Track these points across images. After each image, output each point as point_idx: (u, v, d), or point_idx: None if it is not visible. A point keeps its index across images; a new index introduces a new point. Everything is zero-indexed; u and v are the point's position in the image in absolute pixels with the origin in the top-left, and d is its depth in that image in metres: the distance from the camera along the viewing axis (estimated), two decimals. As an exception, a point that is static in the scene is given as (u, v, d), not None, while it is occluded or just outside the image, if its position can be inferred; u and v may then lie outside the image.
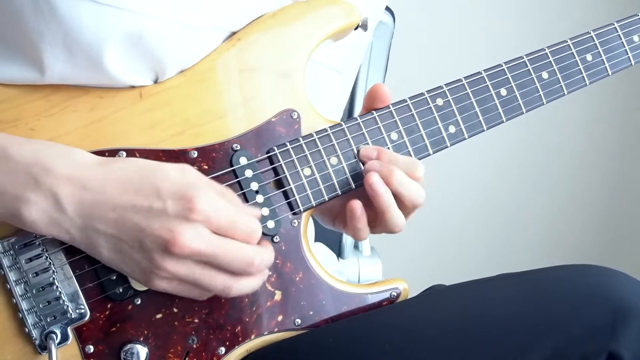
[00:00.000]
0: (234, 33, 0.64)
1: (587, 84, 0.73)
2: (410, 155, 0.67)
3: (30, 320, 0.57)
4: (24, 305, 0.57)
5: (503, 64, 0.70)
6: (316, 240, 0.91)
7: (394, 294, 0.67)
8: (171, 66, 0.61)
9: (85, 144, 0.58)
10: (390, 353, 0.58)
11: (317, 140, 0.64)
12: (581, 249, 2.05)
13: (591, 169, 2.04)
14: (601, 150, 2.02)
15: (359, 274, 1.22)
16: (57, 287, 0.57)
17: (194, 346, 0.60)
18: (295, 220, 0.64)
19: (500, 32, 1.88)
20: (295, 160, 0.63)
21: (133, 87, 0.60)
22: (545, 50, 0.71)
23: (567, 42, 0.72)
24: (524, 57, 0.71)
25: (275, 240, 0.63)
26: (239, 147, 0.62)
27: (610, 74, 0.74)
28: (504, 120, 0.70)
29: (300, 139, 0.64)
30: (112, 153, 0.59)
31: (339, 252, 1.22)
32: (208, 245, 0.54)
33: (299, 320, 0.63)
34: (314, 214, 0.71)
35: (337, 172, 0.65)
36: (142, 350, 0.59)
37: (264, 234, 0.60)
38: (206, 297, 0.58)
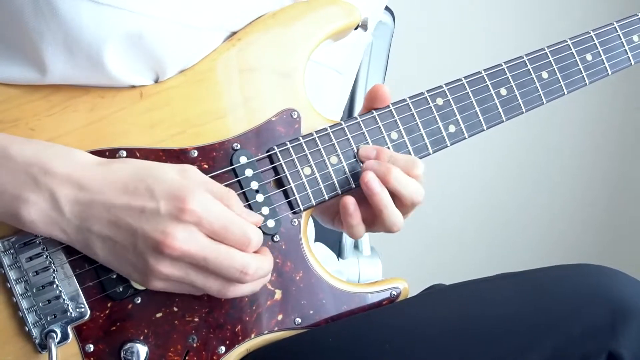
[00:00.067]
0: (234, 33, 0.64)
1: (587, 83, 0.73)
2: (410, 155, 0.67)
3: (30, 319, 0.57)
4: (24, 304, 0.57)
5: (503, 64, 0.70)
6: (316, 240, 0.91)
7: (394, 293, 0.67)
8: (171, 66, 0.61)
9: (85, 144, 0.58)
10: (390, 353, 0.58)
11: (317, 139, 0.64)
12: (581, 249, 2.06)
13: (591, 169, 2.04)
14: (601, 150, 2.02)
15: (359, 273, 1.22)
16: (57, 286, 0.57)
17: (194, 345, 0.60)
18: (295, 220, 0.64)
19: (500, 32, 1.88)
20: (295, 159, 0.63)
21: (133, 87, 0.60)
22: (545, 50, 0.71)
23: (566, 42, 0.72)
24: (524, 56, 0.71)
25: (275, 239, 0.63)
26: (239, 146, 0.62)
27: (610, 73, 0.74)
28: (504, 120, 0.70)
29: (300, 138, 0.64)
30: (113, 152, 0.59)
31: (339, 252, 1.22)
32: (199, 248, 0.54)
33: (299, 320, 0.63)
34: (313, 213, 0.71)
35: (337, 172, 0.65)
36: (142, 349, 0.59)
37: (264, 233, 0.60)
38: (204, 293, 0.58)
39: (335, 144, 0.65)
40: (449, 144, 0.69)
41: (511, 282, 0.65)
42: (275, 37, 0.64)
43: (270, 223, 0.62)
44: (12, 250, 0.57)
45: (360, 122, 0.66)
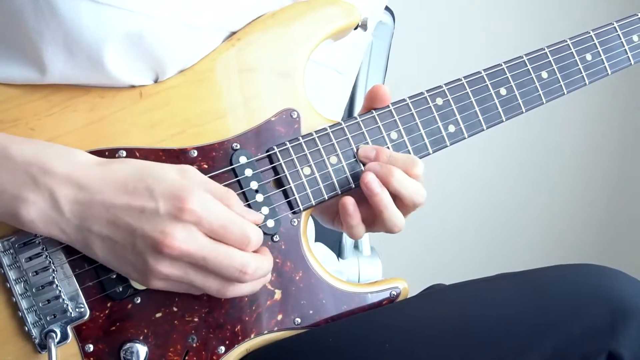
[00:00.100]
0: (233, 33, 0.64)
1: (587, 83, 0.73)
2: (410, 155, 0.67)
3: (30, 319, 0.57)
4: (23, 304, 0.57)
5: (503, 64, 0.70)
6: (316, 240, 0.91)
7: (394, 293, 0.67)
8: (171, 66, 0.61)
9: (85, 144, 0.58)
10: (390, 353, 0.58)
11: (316, 139, 0.64)
12: (581, 249, 2.06)
13: (591, 169, 2.04)
14: (601, 150, 2.02)
15: (359, 273, 1.22)
16: (56, 285, 0.57)
17: (194, 345, 0.60)
18: (295, 220, 0.64)
19: (500, 32, 1.88)
20: (295, 159, 0.63)
21: (133, 86, 0.60)
22: (544, 50, 0.71)
23: (566, 41, 0.72)
24: (524, 56, 0.71)
25: (274, 239, 0.63)
26: (238, 146, 0.62)
27: (609, 73, 0.74)
28: (504, 120, 0.70)
29: (300, 138, 0.64)
30: (112, 152, 0.59)
31: (339, 252, 1.22)
32: (198, 248, 0.54)
33: (298, 320, 0.63)
34: (313, 213, 0.71)
35: (336, 171, 0.65)
36: (141, 349, 0.59)
37: (264, 233, 0.60)
38: (204, 292, 0.58)
39: (335, 144, 0.65)
40: (448, 144, 0.68)
41: (511, 282, 0.65)
42: (275, 37, 0.64)
43: (270, 223, 0.62)
44: (11, 250, 0.57)
45: (360, 122, 0.66)
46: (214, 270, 0.55)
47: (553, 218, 2.05)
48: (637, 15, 0.76)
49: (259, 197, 0.62)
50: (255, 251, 0.57)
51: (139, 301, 0.59)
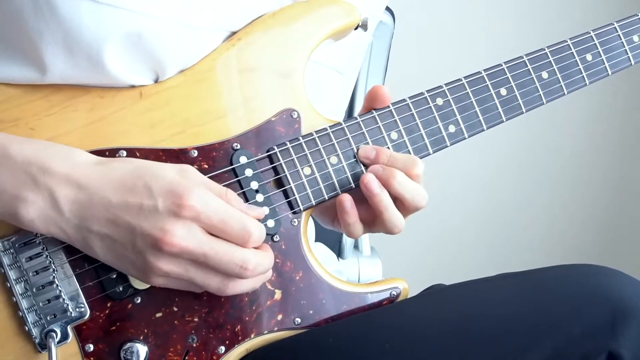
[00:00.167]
0: (234, 33, 0.64)
1: (587, 83, 0.73)
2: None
3: (30, 318, 0.57)
4: (24, 303, 0.57)
5: (503, 64, 0.70)
6: (316, 240, 0.91)
7: (394, 293, 0.67)
8: (171, 66, 0.61)
9: (85, 144, 0.58)
10: (390, 353, 0.58)
11: (317, 139, 0.64)
12: (581, 249, 2.06)
13: (591, 169, 2.04)
14: (601, 150, 2.02)
15: (359, 273, 1.22)
16: (57, 285, 0.57)
17: (194, 345, 0.60)
18: (295, 220, 0.64)
19: (500, 32, 1.88)
20: (295, 159, 0.63)
21: (133, 86, 0.60)
22: (545, 50, 0.71)
23: (566, 42, 0.72)
24: (524, 57, 0.71)
25: (275, 239, 0.63)
26: (239, 146, 0.62)
27: (610, 73, 0.74)
28: (504, 120, 0.70)
29: (300, 138, 0.64)
30: (113, 152, 0.59)
31: (339, 252, 1.22)
32: (198, 245, 0.54)
33: (298, 320, 0.63)
34: (313, 214, 0.71)
35: (337, 172, 0.65)
36: (141, 349, 0.59)
37: (264, 233, 0.60)
38: (206, 290, 0.58)
39: (335, 144, 0.65)
40: (449, 144, 0.68)
41: (511, 282, 0.65)
42: (275, 37, 0.64)
43: (270, 223, 0.62)
44: (12, 250, 0.57)
45: (360, 122, 0.66)
46: (214, 266, 0.55)
47: (553, 218, 2.05)
48: (638, 15, 0.76)
49: (259, 197, 0.62)
50: (256, 248, 0.57)
51: (139, 301, 0.59)
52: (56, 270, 0.57)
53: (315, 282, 0.64)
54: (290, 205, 0.63)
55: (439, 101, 0.68)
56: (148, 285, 0.58)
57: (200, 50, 0.62)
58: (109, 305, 0.59)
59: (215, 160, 0.61)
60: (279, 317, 0.63)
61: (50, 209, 0.54)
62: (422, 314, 0.63)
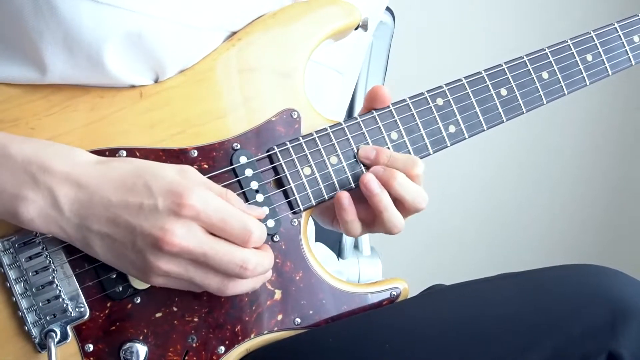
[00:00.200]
0: (234, 33, 0.64)
1: (588, 84, 0.73)
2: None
3: (30, 318, 0.57)
4: (23, 303, 0.57)
5: (503, 64, 0.70)
6: (316, 240, 0.91)
7: (394, 293, 0.67)
8: (171, 66, 0.61)
9: (85, 144, 0.58)
10: (390, 353, 0.58)
11: (317, 139, 0.64)
12: (581, 249, 2.06)
13: (591, 169, 2.04)
14: (601, 150, 2.02)
15: (359, 273, 1.22)
16: (56, 285, 0.57)
17: (194, 345, 0.60)
18: (295, 220, 0.64)
19: (500, 32, 1.88)
20: (295, 159, 0.63)
21: (133, 86, 0.60)
22: (545, 50, 0.71)
23: (567, 42, 0.72)
24: (524, 57, 0.71)
25: (275, 239, 0.63)
26: (239, 146, 0.62)
27: (610, 74, 0.74)
28: (504, 120, 0.70)
29: (300, 138, 0.64)
30: (113, 152, 0.59)
31: (339, 252, 1.22)
32: (198, 244, 0.54)
33: (298, 320, 0.63)
34: (312, 214, 0.71)
35: (337, 172, 0.65)
36: (141, 349, 0.59)
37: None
38: (205, 290, 0.58)
39: (335, 144, 0.65)
40: (449, 144, 0.68)
41: (511, 282, 0.65)
42: (275, 37, 0.64)
43: (270, 223, 0.62)
44: (11, 250, 0.57)
45: (360, 122, 0.66)
46: (214, 266, 0.55)
47: (553, 218, 2.05)
48: (638, 15, 0.76)
49: (259, 197, 0.62)
50: (257, 248, 0.57)
51: (138, 301, 0.59)
52: (56, 270, 0.57)
53: (315, 282, 0.64)
54: (290, 205, 0.63)
55: (439, 101, 0.68)
56: (148, 285, 0.58)
57: (200, 50, 0.62)
58: (108, 305, 0.59)
59: (215, 160, 0.61)
60: (279, 317, 0.63)
61: (51, 208, 0.54)
62: (422, 314, 0.63)
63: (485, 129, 0.69)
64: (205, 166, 0.61)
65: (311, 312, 0.64)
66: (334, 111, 0.78)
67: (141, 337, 0.59)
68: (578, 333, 0.56)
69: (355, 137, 0.65)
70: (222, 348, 0.61)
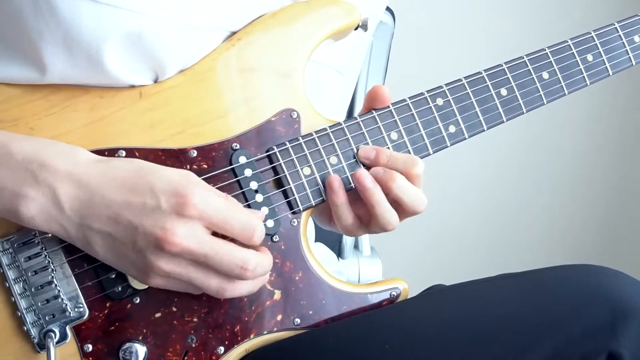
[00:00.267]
0: (233, 33, 0.64)
1: (588, 84, 0.73)
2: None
3: (29, 318, 0.57)
4: (22, 303, 0.57)
5: (503, 64, 0.70)
6: (316, 240, 0.91)
7: (394, 293, 0.67)
8: (171, 66, 0.61)
9: (85, 144, 0.58)
10: (390, 353, 0.58)
11: (316, 139, 0.64)
12: (581, 249, 2.06)
13: (591, 169, 2.04)
14: (602, 151, 2.02)
15: (359, 274, 1.22)
16: (56, 285, 0.57)
17: (193, 345, 0.60)
18: (295, 220, 0.64)
19: (500, 32, 1.88)
20: (295, 159, 0.63)
21: (133, 86, 0.60)
22: (545, 50, 0.71)
23: (567, 42, 0.72)
24: (524, 57, 0.71)
25: (274, 239, 0.63)
26: (238, 146, 0.62)
27: (611, 74, 0.74)
28: (505, 120, 0.70)
29: (300, 138, 0.64)
30: (112, 152, 0.59)
31: (339, 252, 1.22)
32: (200, 245, 0.54)
33: (298, 320, 0.63)
34: (311, 214, 0.71)
35: (336, 172, 0.64)
36: (140, 349, 0.58)
37: (263, 233, 0.60)
38: (204, 292, 0.58)
39: (335, 144, 0.65)
40: (449, 144, 0.68)
41: (511, 282, 0.65)
42: (275, 37, 0.64)
43: (270, 223, 0.62)
44: (10, 250, 0.57)
45: (360, 122, 0.66)
46: (214, 267, 0.55)
47: (553, 218, 2.05)
48: (638, 15, 0.76)
49: (259, 197, 0.62)
50: (255, 250, 0.57)
51: (138, 301, 0.59)
52: (55, 270, 0.57)
53: (315, 283, 0.64)
54: (290, 206, 0.63)
55: (439, 101, 0.68)
56: (147, 286, 0.58)
57: (200, 50, 0.62)
58: (108, 305, 0.59)
59: (214, 160, 0.61)
60: (279, 317, 0.63)
61: (51, 206, 0.53)
62: (422, 314, 0.63)
63: (485, 129, 0.69)
64: (205, 166, 0.61)
65: (311, 312, 0.64)
66: (334, 111, 0.78)
67: (140, 337, 0.59)
68: (578, 333, 0.56)
69: (355, 137, 0.65)
70: (222, 348, 0.61)
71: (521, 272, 0.65)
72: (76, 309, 0.58)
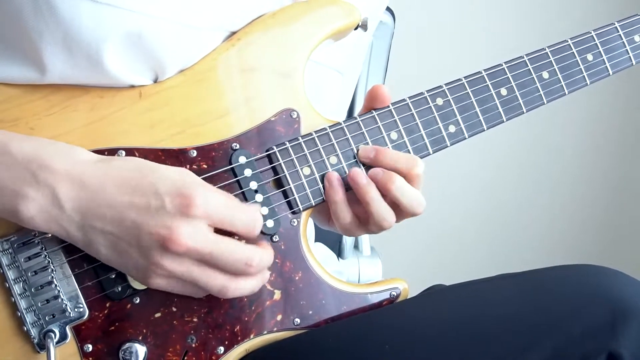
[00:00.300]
0: (233, 33, 0.64)
1: (588, 83, 0.73)
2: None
3: (29, 318, 0.57)
4: (22, 303, 0.57)
5: (503, 64, 0.70)
6: (316, 240, 0.91)
7: (394, 293, 0.67)
8: (171, 66, 0.61)
9: (85, 144, 0.58)
10: (390, 353, 0.58)
11: (316, 139, 0.64)
12: (581, 249, 2.06)
13: (591, 169, 2.04)
14: (602, 150, 2.02)
15: (359, 274, 1.22)
16: (55, 285, 0.57)
17: (193, 345, 0.60)
18: (295, 220, 0.64)
19: (500, 32, 1.88)
20: (295, 159, 0.63)
21: (133, 86, 0.60)
22: (545, 50, 0.71)
23: (567, 41, 0.72)
24: (524, 56, 0.71)
25: (274, 239, 0.63)
26: (238, 146, 0.62)
27: (611, 73, 0.74)
28: (504, 120, 0.70)
29: (300, 138, 0.64)
30: (112, 152, 0.59)
31: (339, 252, 1.22)
32: (205, 243, 0.54)
33: (298, 320, 0.63)
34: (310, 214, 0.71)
35: (336, 172, 0.64)
36: (140, 349, 0.58)
37: (262, 233, 0.60)
38: (204, 294, 0.58)
39: (335, 144, 0.65)
40: (449, 144, 0.68)
41: (511, 282, 0.65)
42: (275, 37, 0.64)
43: (269, 223, 0.62)
44: (10, 250, 0.57)
45: (360, 122, 0.66)
46: (218, 264, 0.55)
47: (553, 218, 2.05)
48: (638, 15, 0.76)
49: (259, 197, 0.62)
50: (256, 245, 0.58)
51: (138, 301, 0.59)
52: (55, 270, 0.57)
53: (315, 283, 0.64)
54: (290, 205, 0.63)
55: (439, 101, 0.68)
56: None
57: (200, 50, 0.62)
58: (107, 305, 0.59)
59: (214, 160, 0.61)
60: (279, 317, 0.63)
61: (51, 206, 0.53)
62: (422, 314, 0.63)
63: (485, 128, 0.69)
64: (205, 166, 0.61)
65: (311, 312, 0.64)
66: (334, 111, 0.78)
67: (140, 337, 0.59)
68: (578, 333, 0.56)
69: (354, 137, 0.65)
70: (222, 348, 0.61)
71: (521, 272, 0.65)
72: (76, 309, 0.58)
